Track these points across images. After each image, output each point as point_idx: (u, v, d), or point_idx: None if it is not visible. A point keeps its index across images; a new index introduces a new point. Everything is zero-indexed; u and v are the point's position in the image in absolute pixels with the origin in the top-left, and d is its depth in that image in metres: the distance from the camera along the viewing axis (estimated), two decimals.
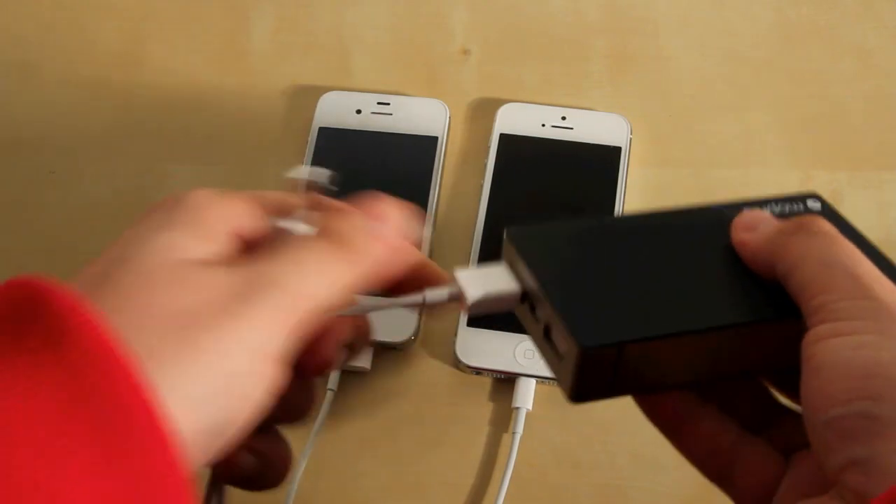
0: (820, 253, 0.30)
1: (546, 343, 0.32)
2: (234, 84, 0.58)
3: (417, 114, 0.55)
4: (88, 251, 0.53)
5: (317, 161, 0.54)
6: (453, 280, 0.33)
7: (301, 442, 0.48)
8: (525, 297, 0.33)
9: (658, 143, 0.55)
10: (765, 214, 0.34)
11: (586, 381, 0.31)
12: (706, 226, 0.35)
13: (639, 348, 0.30)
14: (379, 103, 0.55)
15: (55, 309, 0.25)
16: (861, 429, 0.26)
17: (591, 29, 0.59)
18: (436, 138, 0.54)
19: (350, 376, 0.50)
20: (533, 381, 0.49)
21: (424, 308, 0.33)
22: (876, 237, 0.53)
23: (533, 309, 0.33)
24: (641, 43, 0.58)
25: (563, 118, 0.54)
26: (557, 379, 0.32)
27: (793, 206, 0.36)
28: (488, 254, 0.51)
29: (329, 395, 0.49)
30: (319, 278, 0.29)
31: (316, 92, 0.56)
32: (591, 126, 0.54)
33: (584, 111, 0.55)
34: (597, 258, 0.33)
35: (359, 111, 0.55)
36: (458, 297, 0.33)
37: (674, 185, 0.54)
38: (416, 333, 0.50)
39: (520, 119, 0.55)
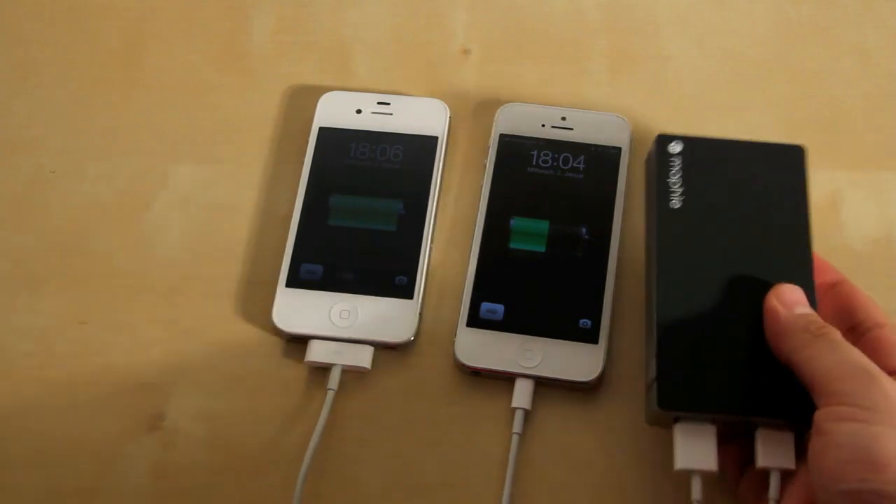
0: (840, 354, 0.39)
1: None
2: (234, 84, 0.58)
3: (417, 114, 0.55)
4: (89, 251, 0.54)
5: (317, 161, 0.54)
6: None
7: (302, 442, 0.48)
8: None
9: None
10: (802, 297, 0.42)
11: None
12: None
13: None
14: (379, 103, 0.55)
15: None
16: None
17: (591, 29, 0.59)
18: (436, 138, 0.54)
19: (350, 376, 0.50)
20: (532, 381, 0.49)
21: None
22: (876, 237, 0.53)
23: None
24: (641, 43, 0.58)
25: (563, 118, 0.54)
26: None
27: None
28: (488, 253, 0.51)
29: (329, 394, 0.49)
30: None
31: (316, 92, 0.56)
32: (591, 126, 0.54)
33: (584, 111, 0.55)
34: None
35: (359, 111, 0.55)
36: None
37: None
38: (416, 333, 0.50)
39: (520, 119, 0.55)
